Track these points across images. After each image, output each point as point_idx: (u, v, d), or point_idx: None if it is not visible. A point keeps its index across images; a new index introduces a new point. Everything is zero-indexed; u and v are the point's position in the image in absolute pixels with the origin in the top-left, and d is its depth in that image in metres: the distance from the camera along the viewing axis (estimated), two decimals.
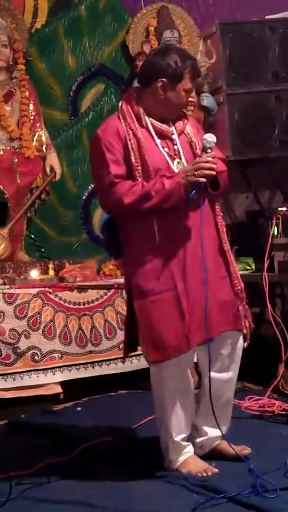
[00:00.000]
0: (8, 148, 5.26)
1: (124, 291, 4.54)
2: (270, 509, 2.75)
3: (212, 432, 3.41)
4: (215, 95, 5.56)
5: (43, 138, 5.44)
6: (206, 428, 3.43)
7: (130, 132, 3.21)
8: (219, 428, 3.30)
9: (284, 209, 5.02)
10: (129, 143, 3.19)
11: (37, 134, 5.41)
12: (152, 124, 3.26)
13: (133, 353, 3.59)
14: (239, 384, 4.89)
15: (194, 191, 3.16)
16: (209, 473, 3.19)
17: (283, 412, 4.16)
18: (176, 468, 3.28)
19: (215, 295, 3.23)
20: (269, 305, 4.48)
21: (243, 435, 3.59)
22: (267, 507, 2.77)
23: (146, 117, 3.25)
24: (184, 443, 3.31)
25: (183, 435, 3.30)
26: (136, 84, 5.33)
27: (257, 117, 5.53)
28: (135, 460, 3.46)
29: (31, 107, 5.41)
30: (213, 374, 3.27)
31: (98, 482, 3.24)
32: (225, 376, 3.35)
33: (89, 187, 5.65)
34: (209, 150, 3.21)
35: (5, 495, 3.00)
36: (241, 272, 4.93)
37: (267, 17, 5.82)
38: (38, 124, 5.43)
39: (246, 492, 2.90)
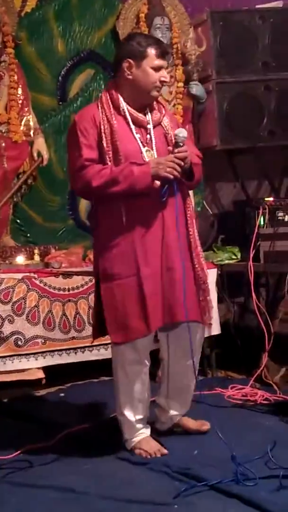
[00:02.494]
0: None
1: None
2: (251, 497, 2.76)
3: (174, 411, 3.64)
4: (205, 83, 5.54)
5: (31, 123, 5.40)
6: (168, 407, 3.64)
7: (105, 118, 3.34)
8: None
9: (271, 199, 5.04)
10: (102, 128, 3.32)
11: (25, 118, 5.36)
12: (129, 111, 3.39)
13: None
14: (222, 373, 4.95)
15: (166, 186, 3.30)
16: (158, 454, 3.33)
17: (265, 402, 4.19)
18: (131, 448, 3.43)
19: (178, 285, 3.33)
20: (253, 295, 4.49)
21: (225, 423, 3.60)
22: (247, 495, 2.78)
23: (124, 103, 3.39)
24: (139, 425, 3.46)
25: (138, 417, 3.45)
26: None
27: (246, 107, 5.51)
28: (117, 446, 3.46)
29: (20, 91, 5.36)
30: (172, 359, 3.51)
31: (80, 467, 3.26)
32: (184, 363, 3.47)
33: None
34: (181, 144, 3.33)
35: None
36: (226, 261, 5.01)
37: (257, 6, 5.78)
38: (26, 109, 5.38)
39: (227, 480, 2.91)
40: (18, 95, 5.33)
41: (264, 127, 5.53)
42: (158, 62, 3.37)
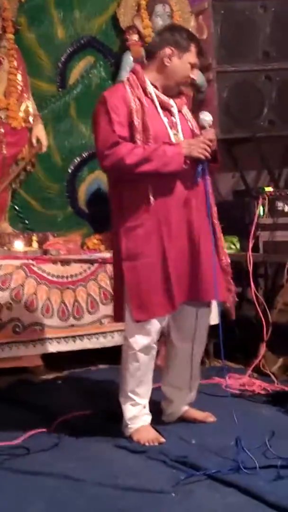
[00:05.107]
0: None
1: (106, 266, 4.59)
2: (249, 486, 2.75)
3: (178, 400, 3.66)
4: (205, 72, 5.51)
5: (30, 109, 5.38)
6: (173, 396, 3.65)
7: (136, 98, 3.36)
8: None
9: (270, 189, 5.03)
10: (133, 107, 3.33)
11: (24, 104, 5.35)
12: (156, 94, 3.42)
13: (115, 328, 3.64)
14: (220, 362, 4.94)
15: (201, 167, 3.37)
16: (156, 443, 3.33)
17: (263, 392, 4.19)
18: (129, 434, 3.44)
19: (204, 265, 3.37)
20: (252, 285, 4.48)
21: (223, 413, 3.60)
22: (246, 484, 2.77)
23: (151, 86, 3.42)
24: (142, 410, 3.47)
25: (143, 401, 3.47)
26: (126, 58, 5.40)
27: (246, 96, 5.51)
28: (115, 434, 3.46)
29: (19, 77, 5.34)
30: (177, 344, 3.56)
31: (77, 455, 3.25)
32: (192, 345, 3.54)
33: (75, 160, 5.62)
34: (207, 127, 3.42)
35: None
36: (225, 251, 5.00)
37: None
38: (25, 95, 5.37)
39: (225, 469, 2.91)
40: (18, 81, 5.32)
41: (264, 117, 5.52)
42: (196, 60, 3.47)
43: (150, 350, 3.44)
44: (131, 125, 3.32)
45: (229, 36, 5.52)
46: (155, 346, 3.48)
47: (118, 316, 3.60)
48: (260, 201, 4.82)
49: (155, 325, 3.40)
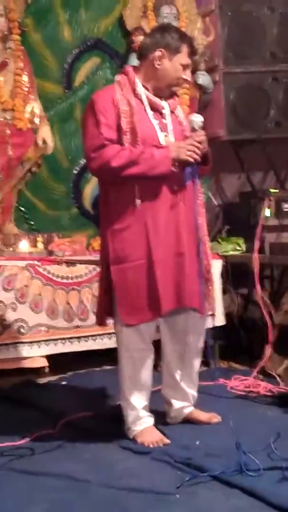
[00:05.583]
0: (1, 119, 5.20)
1: None
2: (254, 488, 2.74)
3: (178, 403, 3.64)
4: (212, 73, 5.51)
5: (36, 110, 5.37)
6: (172, 399, 3.64)
7: (124, 99, 3.33)
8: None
9: (277, 190, 5.02)
10: (121, 109, 3.30)
11: (30, 106, 5.34)
12: (146, 95, 3.39)
13: None
14: (225, 364, 4.94)
15: (189, 169, 3.34)
16: (160, 444, 3.31)
17: (268, 393, 4.18)
18: (133, 436, 3.42)
19: (187, 270, 3.37)
20: (258, 287, 4.47)
21: (228, 414, 3.59)
22: (250, 486, 2.76)
23: (141, 88, 3.39)
24: (143, 412, 3.45)
25: (143, 403, 3.46)
26: (132, 59, 5.39)
27: (253, 97, 5.50)
28: (119, 435, 3.45)
29: (25, 78, 5.33)
30: (169, 347, 3.56)
31: (81, 456, 3.25)
32: (184, 348, 3.54)
33: (81, 162, 5.61)
34: (197, 129, 3.38)
35: None
36: (231, 253, 5.00)
37: None
38: (31, 96, 5.36)
39: (230, 471, 2.90)
40: (24, 82, 5.31)
41: (271, 118, 5.52)
42: (188, 60, 3.43)
43: (144, 352, 3.43)
44: (119, 127, 3.30)
45: (236, 38, 5.52)
46: (150, 347, 3.46)
47: (101, 319, 3.56)
48: (266, 202, 4.81)
49: (146, 328, 3.39)
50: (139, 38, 5.55)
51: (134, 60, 5.42)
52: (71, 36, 5.66)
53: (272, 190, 5.01)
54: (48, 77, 5.61)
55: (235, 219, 5.35)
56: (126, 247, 3.31)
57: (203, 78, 5.48)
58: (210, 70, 5.53)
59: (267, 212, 4.77)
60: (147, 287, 3.30)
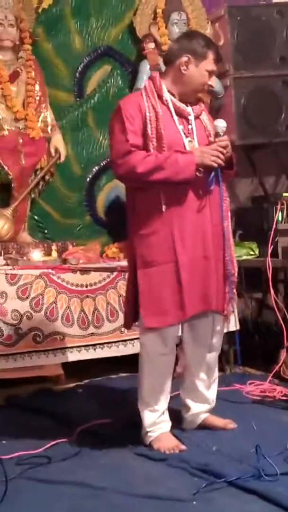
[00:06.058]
0: (13, 128, 5.24)
1: (126, 274, 4.58)
2: (270, 494, 2.74)
3: (196, 407, 3.66)
4: (222, 78, 5.51)
5: (48, 119, 5.41)
6: (191, 403, 3.66)
7: (151, 106, 3.39)
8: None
9: None
10: (147, 115, 3.35)
11: (42, 115, 5.37)
12: (172, 101, 3.43)
13: (135, 336, 3.63)
14: (241, 369, 4.93)
15: (213, 174, 3.38)
16: (177, 451, 3.33)
17: (284, 398, 4.17)
18: (150, 442, 3.44)
19: (213, 273, 3.41)
20: (272, 291, 4.47)
21: (243, 419, 3.60)
22: (267, 491, 2.76)
23: (167, 94, 3.43)
24: (161, 417, 3.47)
25: (161, 408, 3.47)
26: (143, 66, 5.42)
27: (264, 102, 5.48)
28: (135, 442, 3.46)
29: (37, 87, 5.36)
30: (193, 351, 3.58)
31: (98, 463, 3.26)
32: (206, 351, 3.58)
33: (94, 169, 5.64)
34: (221, 134, 3.43)
35: (4, 475, 2.99)
36: (244, 257, 5.00)
37: (275, 1, 5.78)
38: (43, 105, 5.39)
39: (246, 476, 2.90)
40: (36, 92, 5.34)
41: (281, 122, 5.50)
42: (214, 67, 3.48)
43: (166, 356, 3.45)
44: (145, 133, 3.35)
45: (246, 42, 5.51)
46: (172, 352, 3.49)
47: (128, 323, 3.61)
48: (279, 206, 4.81)
49: (169, 332, 3.41)
50: (149, 45, 5.58)
51: (145, 67, 5.49)
52: (82, 44, 5.69)
53: (284, 194, 5.00)
54: (60, 86, 5.64)
55: (247, 223, 5.34)
56: (153, 251, 3.36)
57: (214, 84, 5.48)
58: (220, 75, 5.52)
59: (279, 216, 4.77)
60: (172, 290, 3.33)
